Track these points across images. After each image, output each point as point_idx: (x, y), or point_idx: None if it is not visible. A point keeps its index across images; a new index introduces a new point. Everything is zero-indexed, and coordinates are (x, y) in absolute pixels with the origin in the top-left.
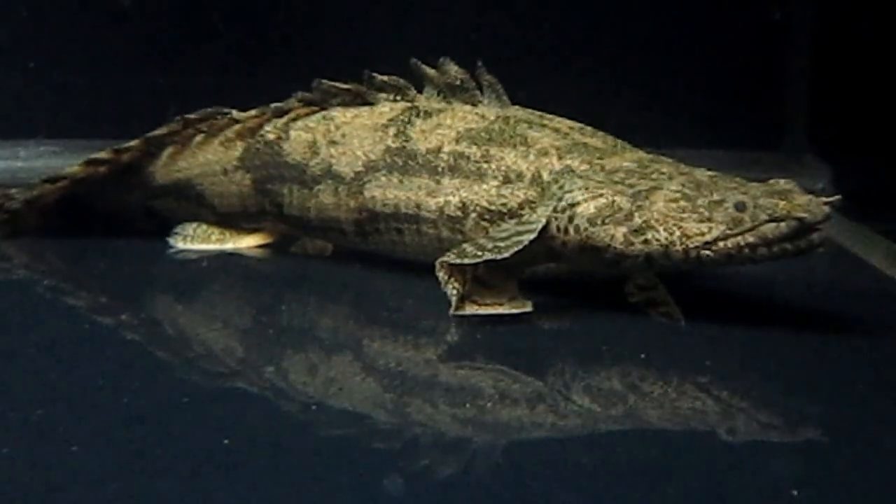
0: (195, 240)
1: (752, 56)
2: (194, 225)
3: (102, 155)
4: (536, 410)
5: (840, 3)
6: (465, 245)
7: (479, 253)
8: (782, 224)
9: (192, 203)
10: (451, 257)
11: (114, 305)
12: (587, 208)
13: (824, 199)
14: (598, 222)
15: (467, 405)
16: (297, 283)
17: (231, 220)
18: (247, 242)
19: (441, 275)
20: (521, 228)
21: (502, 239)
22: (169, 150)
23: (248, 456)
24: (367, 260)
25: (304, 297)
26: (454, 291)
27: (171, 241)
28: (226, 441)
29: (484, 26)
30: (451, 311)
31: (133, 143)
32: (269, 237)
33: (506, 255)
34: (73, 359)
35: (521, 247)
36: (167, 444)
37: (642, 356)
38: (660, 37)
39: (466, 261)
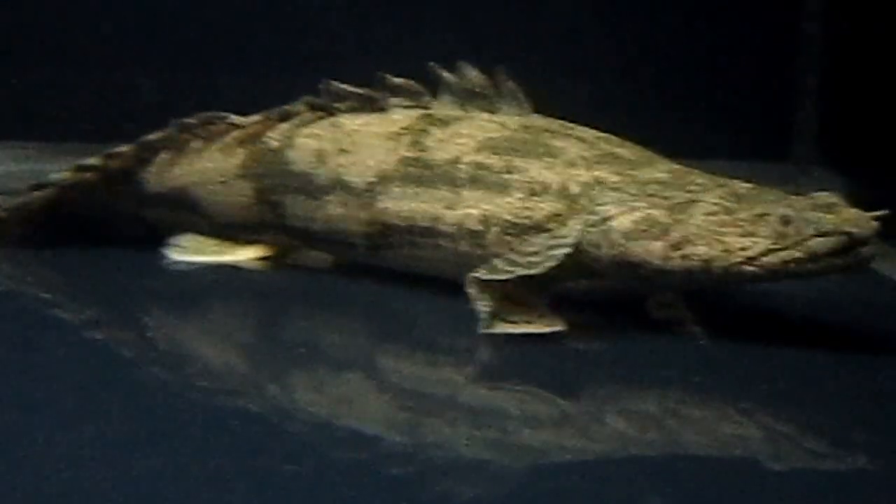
0: (191, 251)
1: (760, 65)
2: (189, 236)
3: (92, 161)
4: (564, 433)
5: (852, 12)
6: (495, 260)
7: (511, 269)
8: (830, 239)
9: (187, 212)
10: (482, 273)
11: (107, 320)
12: (622, 222)
13: (872, 214)
14: (635, 237)
15: (490, 427)
16: (302, 297)
17: (229, 231)
18: (245, 255)
19: (472, 291)
20: (553, 243)
21: (534, 254)
22: (163, 157)
23: (252, 478)
24: (374, 273)
25: (311, 312)
26: (485, 308)
27: (167, 252)
28: (228, 462)
29: (479, 37)
30: (482, 329)
31: (125, 148)
32: (268, 249)
33: (539, 270)
34: (64, 376)
35: (555, 262)
36: (166, 465)
37: (678, 377)
38: (666, 45)
39: (498, 276)
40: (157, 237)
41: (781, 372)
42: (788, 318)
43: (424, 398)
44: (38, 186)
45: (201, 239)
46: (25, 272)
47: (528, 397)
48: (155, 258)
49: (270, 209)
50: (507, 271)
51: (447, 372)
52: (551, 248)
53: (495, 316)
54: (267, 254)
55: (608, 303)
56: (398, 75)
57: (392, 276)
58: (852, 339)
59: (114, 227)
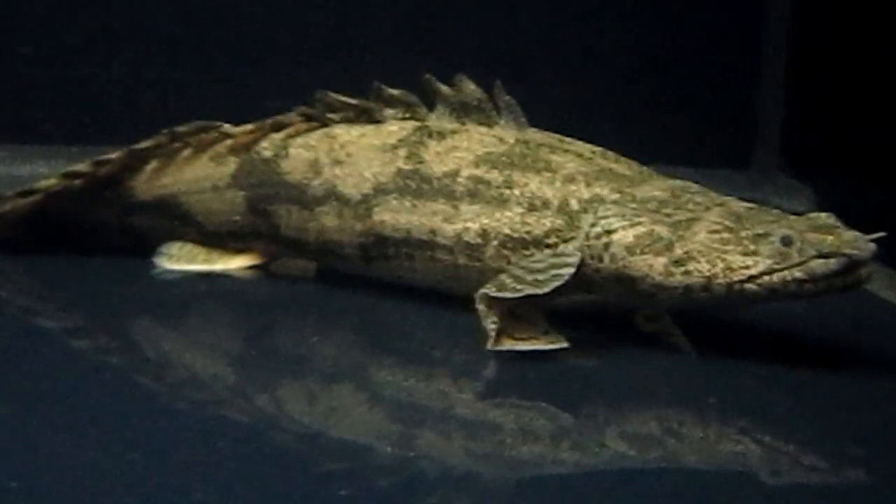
0: (181, 260)
1: (724, 71)
2: (179, 244)
3: (80, 167)
4: (561, 448)
5: (815, 16)
6: (502, 277)
7: (519, 286)
8: (831, 260)
9: (176, 221)
10: (491, 290)
11: (94, 329)
12: (625, 236)
13: (870, 236)
14: (637, 251)
15: (484, 440)
16: (294, 307)
17: (218, 239)
18: (236, 263)
19: (481, 308)
20: (557, 261)
21: (540, 271)
22: (152, 165)
23: (242, 489)
24: (365, 283)
25: (303, 323)
26: (493, 325)
27: (156, 260)
28: (217, 473)
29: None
30: (489, 346)
31: (114, 155)
32: (258, 258)
33: (546, 289)
34: (49, 385)
35: (561, 281)
36: (154, 475)
37: (676, 394)
38: (631, 53)
39: (507, 294)
40: (146, 245)
41: (777, 390)
42: (782, 336)
43: (418, 410)
44: (25, 193)
45: (191, 247)
46: (10, 280)
47: (524, 411)
48: (144, 267)
49: (262, 218)
50: (515, 289)
51: (442, 384)
52: (556, 265)
53: (502, 332)
54: (257, 262)
55: (597, 316)
56: (394, 86)
57: (383, 286)
58: (844, 356)
59: (101, 234)
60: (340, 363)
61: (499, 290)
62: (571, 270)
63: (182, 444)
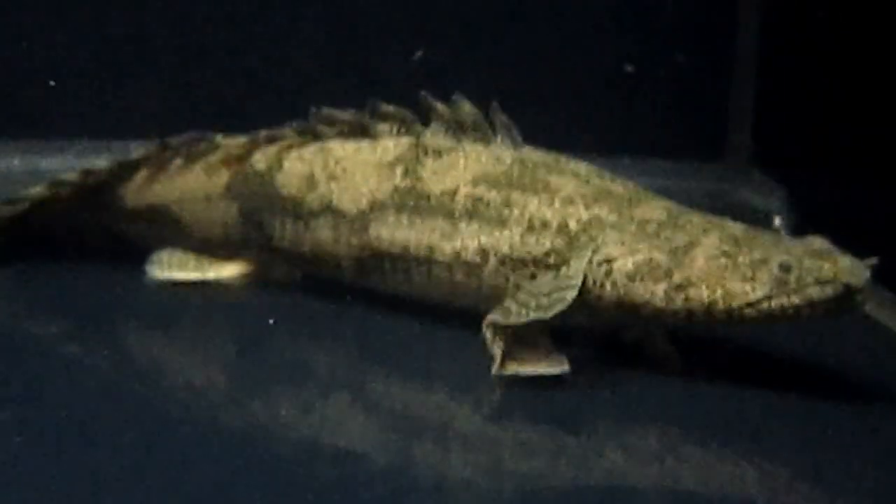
0: (172, 267)
1: (694, 62)
2: (169, 251)
3: (69, 177)
4: (557, 463)
5: (788, 9)
6: (508, 304)
7: (524, 312)
8: (828, 287)
9: (167, 229)
10: (497, 317)
11: (84, 340)
12: (625, 263)
13: (865, 262)
14: (637, 278)
15: (481, 452)
16: (287, 317)
17: (210, 247)
18: (228, 271)
19: (488, 335)
20: (560, 284)
21: (544, 295)
22: (143, 174)
23: (236, 497)
24: (359, 294)
25: (296, 333)
26: (498, 351)
27: (147, 269)
28: (210, 482)
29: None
30: (494, 371)
31: (104, 165)
32: (250, 266)
33: (551, 314)
34: (37, 394)
35: (565, 305)
36: (146, 483)
37: (674, 416)
38: (602, 43)
39: (513, 321)
40: (136, 252)
41: (776, 412)
42: (780, 357)
43: (414, 421)
44: (11, 201)
45: (181, 254)
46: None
47: (522, 424)
48: (134, 274)
49: (256, 229)
50: (521, 315)
51: (439, 396)
52: (559, 289)
53: (506, 356)
54: (249, 270)
55: (598, 332)
56: (390, 102)
57: (378, 296)
58: (841, 380)
59: (92, 239)
60: (334, 374)
61: (505, 318)
62: (574, 293)
63: (174, 452)
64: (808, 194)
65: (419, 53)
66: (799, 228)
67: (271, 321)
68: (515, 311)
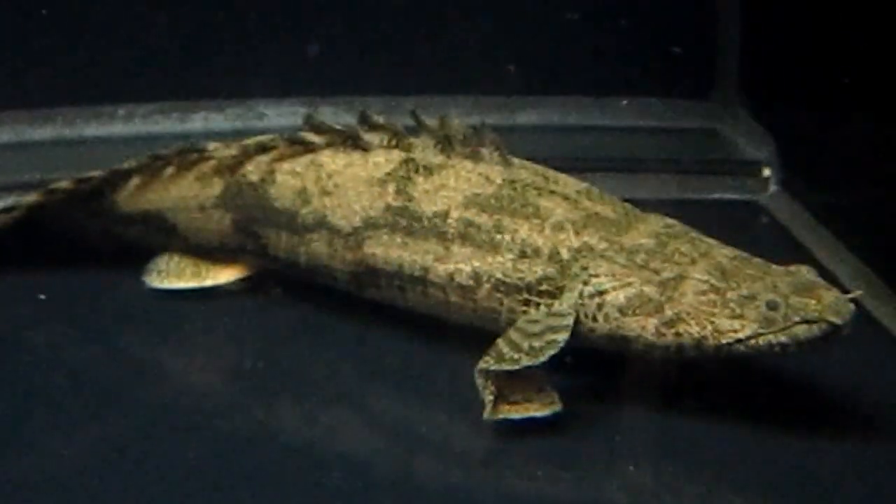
0: (170, 276)
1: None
2: (167, 258)
3: (63, 184)
4: (556, 484)
5: None
6: (500, 346)
7: (517, 357)
8: (814, 327)
9: (163, 233)
10: (489, 363)
11: (81, 351)
12: (616, 297)
13: (848, 297)
14: (629, 313)
15: (480, 467)
16: (286, 327)
17: (206, 252)
18: (225, 276)
19: (479, 381)
20: (552, 324)
21: (536, 336)
22: (136, 181)
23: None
24: (359, 304)
25: (296, 343)
26: (490, 397)
27: (145, 278)
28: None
29: None
30: (486, 416)
31: (96, 173)
32: (247, 270)
33: (543, 358)
34: (39, 399)
35: (557, 349)
36: (151, 495)
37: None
38: None
39: (505, 367)
40: (136, 255)
41: (778, 448)
42: (780, 388)
43: (414, 434)
44: (6, 210)
45: (178, 260)
46: None
47: (522, 442)
48: (134, 280)
49: (251, 239)
50: (514, 360)
51: (439, 409)
52: (552, 328)
53: (498, 397)
54: (246, 274)
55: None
56: (381, 114)
57: (377, 306)
58: (844, 411)
59: (90, 242)
60: (335, 385)
61: (497, 363)
62: (566, 335)
63: (176, 459)
64: (793, 132)
65: None
66: (787, 181)
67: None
68: (508, 355)
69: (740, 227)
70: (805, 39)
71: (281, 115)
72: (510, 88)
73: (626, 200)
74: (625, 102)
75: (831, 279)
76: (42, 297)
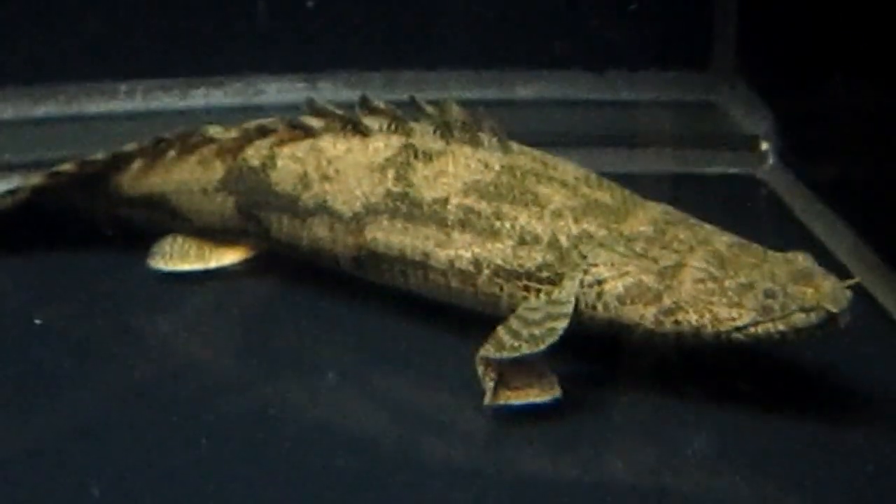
0: (173, 258)
1: None
2: (170, 240)
3: (66, 167)
4: (560, 462)
5: None
6: (500, 333)
7: (517, 345)
8: (812, 315)
9: (167, 215)
10: (490, 351)
11: (87, 332)
12: (615, 286)
13: (846, 283)
14: (628, 301)
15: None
16: (290, 308)
17: (209, 234)
18: (229, 258)
19: (480, 369)
20: (552, 312)
21: (536, 324)
22: (139, 164)
23: (246, 482)
24: (363, 285)
25: (300, 324)
26: (491, 384)
27: (149, 261)
28: (220, 467)
29: None
30: (487, 403)
31: (99, 156)
32: (250, 251)
33: (543, 346)
34: (48, 381)
35: (557, 337)
36: (158, 467)
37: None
38: None
39: (506, 354)
40: (140, 236)
41: (777, 431)
42: (780, 372)
43: (418, 413)
44: (11, 192)
45: (182, 243)
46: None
47: (525, 422)
48: (136, 265)
49: (253, 222)
50: (514, 348)
51: (443, 389)
52: (551, 318)
53: (499, 383)
54: (249, 255)
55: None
56: (381, 99)
57: (381, 288)
58: (841, 393)
59: (91, 225)
60: (339, 366)
61: (497, 351)
62: (566, 323)
63: (181, 437)
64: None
65: None
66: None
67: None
68: (508, 344)
69: (738, 202)
70: (804, 10)
71: (281, 92)
72: (507, 62)
73: (624, 175)
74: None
75: (828, 254)
76: (47, 279)
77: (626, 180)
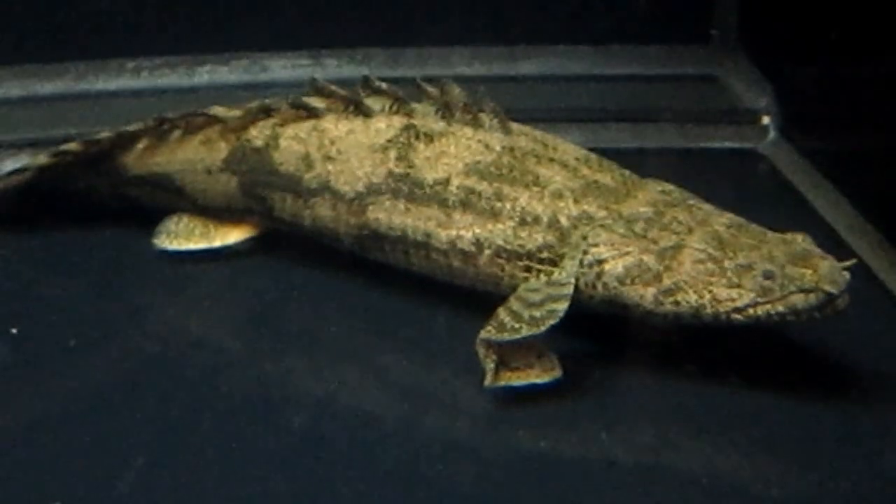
0: (179, 237)
1: None
2: (176, 219)
3: (71, 146)
4: (562, 440)
5: None
6: (501, 315)
7: (518, 326)
8: (811, 296)
9: (172, 194)
10: (490, 332)
11: (94, 311)
12: (615, 266)
13: (844, 265)
14: (627, 282)
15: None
16: (295, 286)
17: (214, 213)
18: (234, 236)
19: (481, 350)
20: (553, 293)
21: (537, 306)
22: (144, 144)
23: (253, 457)
24: (367, 265)
25: (305, 303)
26: (492, 366)
27: (154, 241)
28: (225, 443)
29: None
30: (487, 384)
31: (104, 134)
32: (256, 230)
33: (544, 328)
34: (54, 359)
35: (557, 319)
36: (168, 443)
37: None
38: None
39: (506, 337)
40: (147, 215)
41: (776, 407)
42: (780, 350)
43: (421, 392)
44: (18, 171)
45: (187, 221)
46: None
47: (525, 399)
48: (142, 244)
49: (257, 202)
50: (514, 330)
51: (445, 370)
52: (552, 300)
53: (498, 365)
54: (254, 234)
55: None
56: (383, 80)
57: (384, 267)
58: (840, 370)
59: (96, 202)
60: (343, 345)
61: (498, 332)
62: (566, 305)
63: (188, 415)
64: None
65: None
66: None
67: None
68: (508, 326)
69: (739, 176)
70: None
71: (285, 69)
72: (510, 38)
73: (625, 149)
74: None
75: (828, 228)
76: (53, 257)
77: (626, 154)
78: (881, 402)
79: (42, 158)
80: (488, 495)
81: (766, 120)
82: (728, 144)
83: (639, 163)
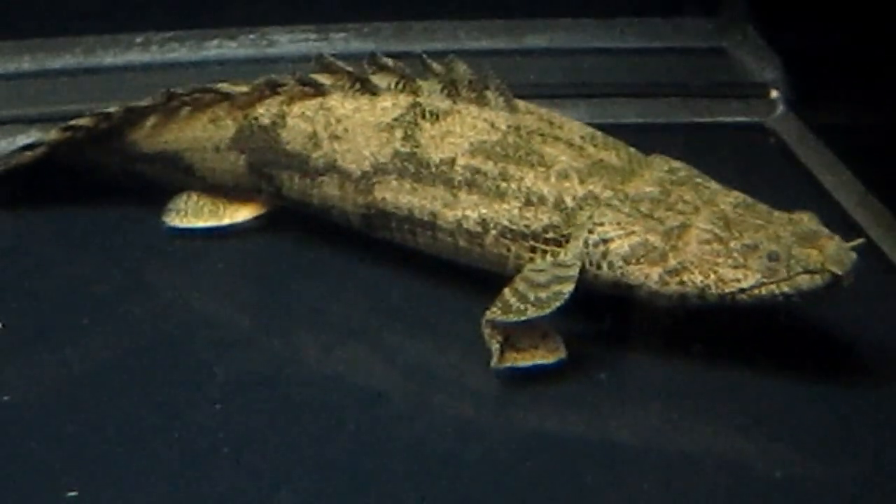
0: (188, 215)
1: None
2: (185, 197)
3: (82, 122)
4: (567, 419)
5: None
6: (507, 295)
7: (524, 308)
8: (817, 277)
9: (181, 172)
10: (496, 313)
11: (104, 287)
12: (620, 246)
13: (851, 245)
14: (633, 261)
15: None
16: (303, 266)
17: (223, 191)
18: (243, 214)
19: (486, 331)
20: (559, 274)
21: (543, 287)
22: (153, 120)
23: (261, 437)
24: (375, 244)
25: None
26: (497, 346)
27: (164, 218)
28: (234, 423)
29: None
30: (493, 365)
31: (113, 110)
32: (265, 208)
33: (549, 310)
34: (64, 335)
35: (563, 301)
36: (176, 422)
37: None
38: None
39: (512, 318)
40: (152, 194)
41: (781, 389)
42: (788, 322)
43: (428, 373)
44: (30, 147)
45: (196, 199)
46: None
47: (530, 379)
48: (151, 221)
49: (265, 181)
50: (520, 312)
51: (453, 349)
52: (558, 281)
53: (504, 347)
54: (263, 212)
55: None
56: (389, 55)
57: (393, 246)
58: (845, 354)
59: (106, 178)
60: (351, 324)
61: (504, 314)
62: (572, 286)
63: (198, 394)
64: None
65: None
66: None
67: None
68: (514, 307)
69: (747, 150)
70: None
71: (293, 43)
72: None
73: (632, 124)
74: None
75: (835, 203)
76: (63, 234)
77: (633, 129)
78: (890, 382)
79: (53, 134)
80: (495, 474)
81: (774, 94)
82: (736, 119)
83: (645, 137)
